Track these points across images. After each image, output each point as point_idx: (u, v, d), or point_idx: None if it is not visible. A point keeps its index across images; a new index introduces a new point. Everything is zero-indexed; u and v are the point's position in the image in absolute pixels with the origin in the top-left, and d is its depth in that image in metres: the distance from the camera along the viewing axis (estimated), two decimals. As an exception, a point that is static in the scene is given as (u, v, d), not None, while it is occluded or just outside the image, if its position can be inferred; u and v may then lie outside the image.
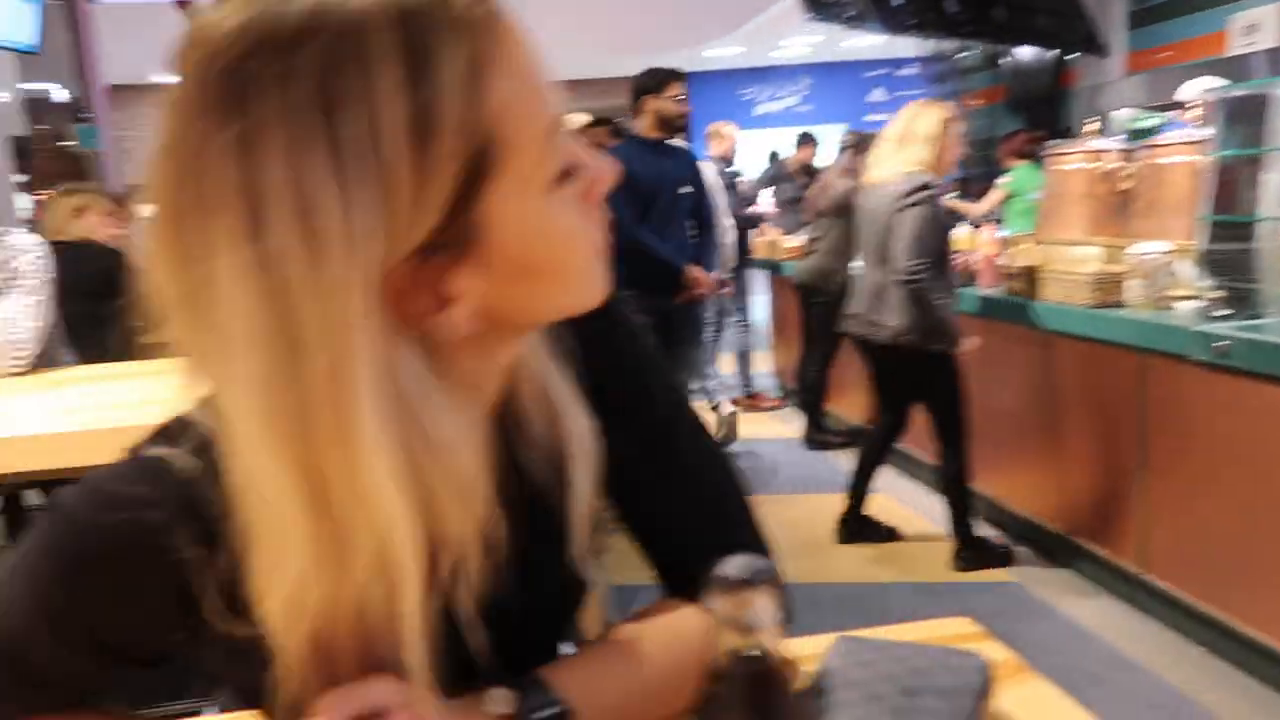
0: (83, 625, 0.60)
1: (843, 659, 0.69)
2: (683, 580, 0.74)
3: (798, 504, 4.04)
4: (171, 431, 0.58)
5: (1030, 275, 3.30)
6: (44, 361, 2.49)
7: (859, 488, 3.54)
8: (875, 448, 3.49)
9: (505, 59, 0.52)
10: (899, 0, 5.70)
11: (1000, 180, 6.08)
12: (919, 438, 3.53)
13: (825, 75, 15.70)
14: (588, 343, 0.68)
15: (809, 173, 6.06)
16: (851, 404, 4.86)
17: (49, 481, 2.37)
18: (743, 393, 5.62)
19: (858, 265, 3.39)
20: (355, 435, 0.49)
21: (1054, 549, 3.30)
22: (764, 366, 6.02)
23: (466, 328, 0.54)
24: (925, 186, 3.02)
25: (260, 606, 0.53)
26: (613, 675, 0.68)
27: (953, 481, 3.23)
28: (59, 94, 10.87)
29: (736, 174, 5.55)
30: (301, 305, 0.47)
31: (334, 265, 0.47)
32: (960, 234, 3.87)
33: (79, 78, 7.37)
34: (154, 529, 0.56)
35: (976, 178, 9.34)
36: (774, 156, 7.43)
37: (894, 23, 5.76)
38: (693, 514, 0.75)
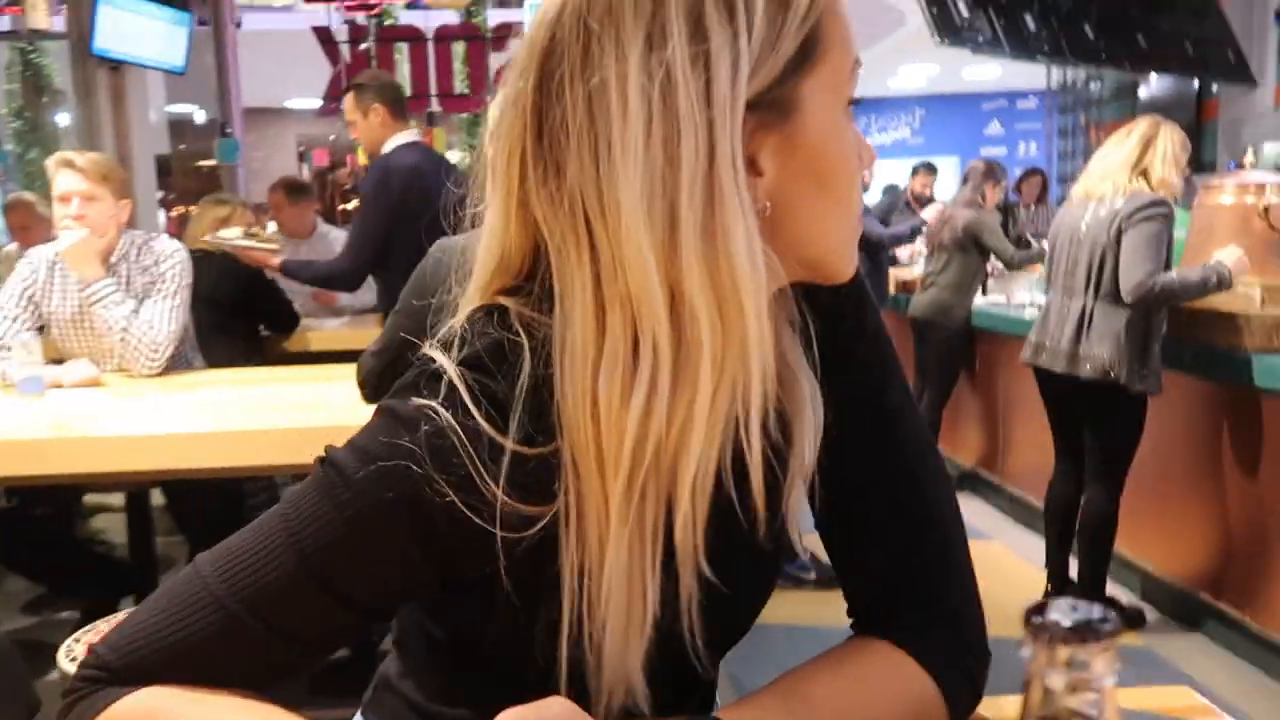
0: (344, 575, 0.60)
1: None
2: (882, 613, 0.69)
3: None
4: (423, 376, 0.61)
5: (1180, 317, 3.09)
6: (177, 364, 2.57)
7: (1060, 556, 3.08)
8: (1067, 500, 3.03)
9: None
10: (1035, 25, 5.50)
11: (1137, 215, 5.82)
12: (1030, 479, 3.30)
13: (940, 107, 15.38)
14: (829, 318, 0.68)
15: (924, 203, 5.87)
16: (965, 446, 4.66)
17: (171, 481, 2.44)
18: None
19: (1047, 295, 3.06)
20: (724, 243, 0.56)
21: (1184, 609, 3.06)
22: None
23: (767, 201, 0.60)
24: (1159, 203, 2.71)
25: (591, 448, 0.57)
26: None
27: (1102, 530, 2.88)
28: (200, 116, 11.50)
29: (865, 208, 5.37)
30: (687, 114, 0.55)
31: (719, 85, 0.55)
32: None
33: (219, 100, 7.75)
34: (414, 480, 0.58)
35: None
36: (891, 189, 7.26)
37: (1028, 49, 5.57)
38: (912, 538, 0.69)
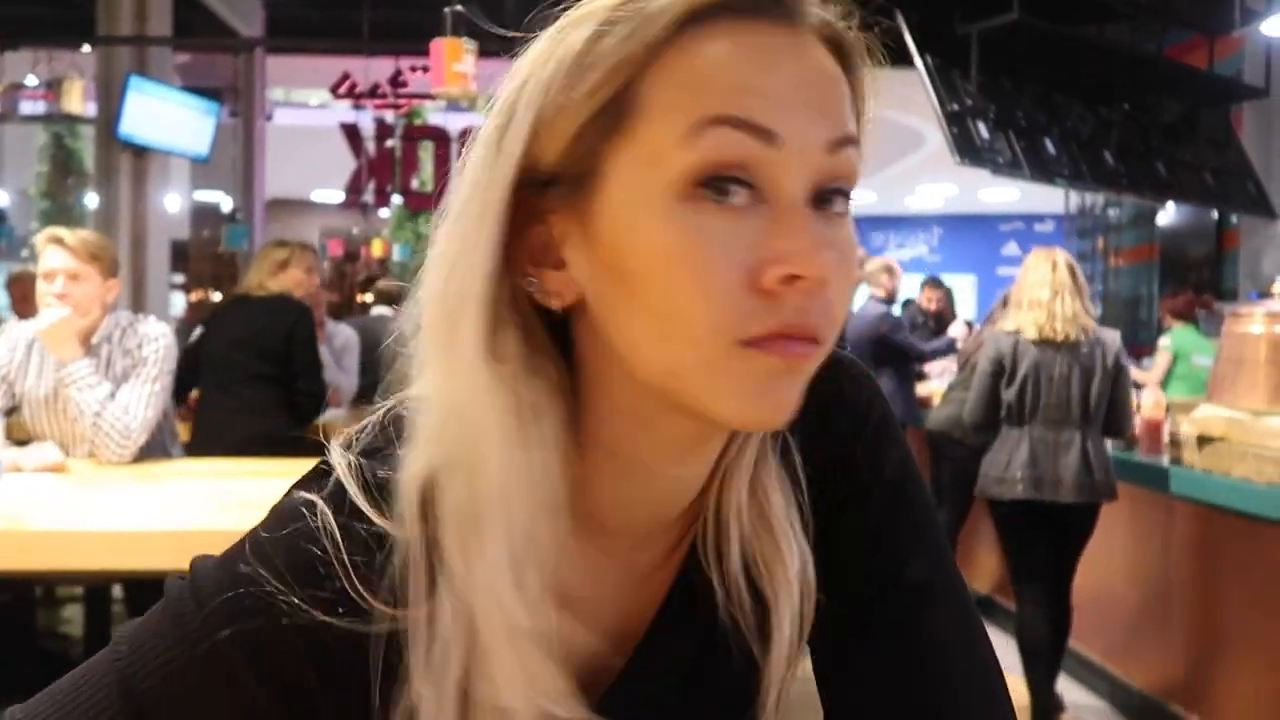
0: None
1: None
2: None
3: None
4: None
5: (1205, 446, 2.94)
6: (153, 450, 2.44)
7: (1046, 684, 3.08)
8: (1058, 626, 3.08)
9: (720, 34, 0.46)
10: (1055, 150, 5.50)
11: (1162, 343, 5.68)
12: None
13: (957, 226, 15.56)
14: (826, 481, 0.57)
15: (936, 319, 5.74)
16: (980, 570, 4.44)
17: (133, 579, 2.29)
18: None
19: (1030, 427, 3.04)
20: (460, 335, 0.48)
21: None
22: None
23: (561, 299, 0.49)
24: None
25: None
26: None
27: (1068, 628, 3.11)
28: (227, 204, 11.71)
29: (897, 319, 4.99)
30: (473, 184, 0.48)
31: (502, 148, 0.48)
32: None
33: (244, 189, 7.86)
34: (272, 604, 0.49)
35: (1123, 339, 8.88)
36: (907, 304, 7.18)
37: (1048, 172, 5.55)
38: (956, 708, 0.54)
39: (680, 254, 0.44)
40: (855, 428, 0.58)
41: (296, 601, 0.48)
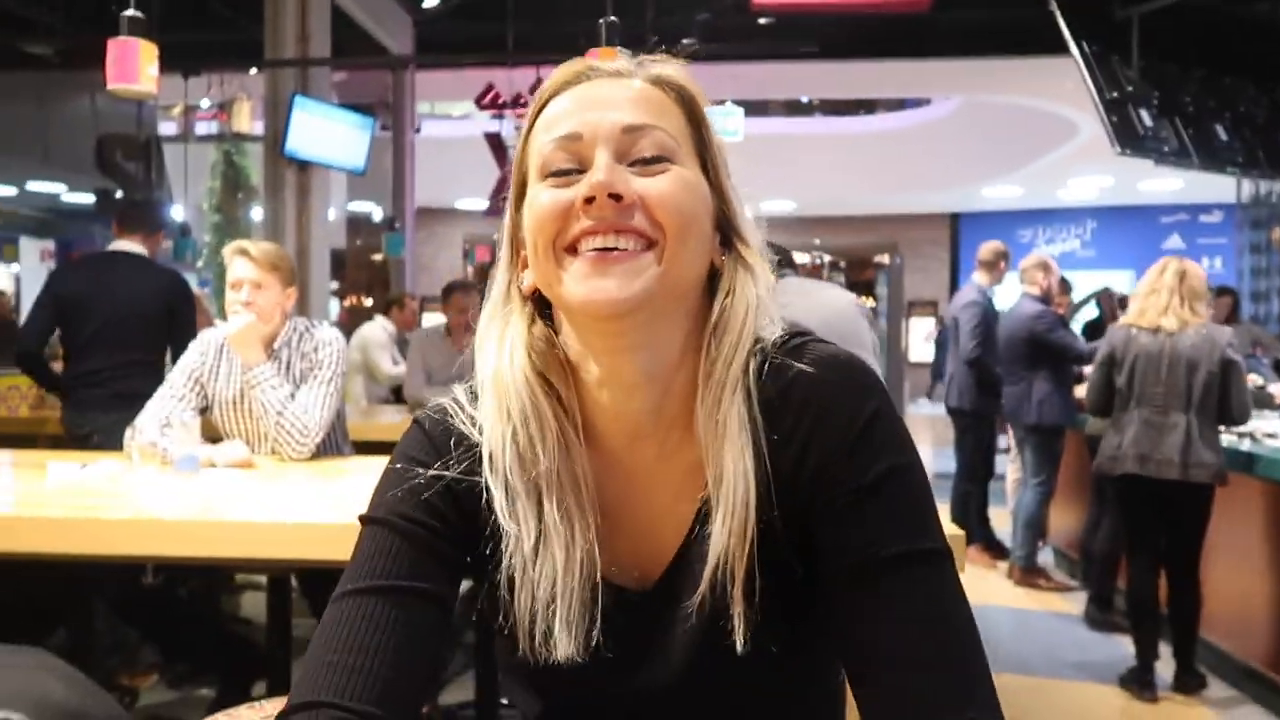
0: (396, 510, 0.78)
1: None
2: None
3: (1075, 694, 3.47)
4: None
5: None
6: (327, 449, 2.59)
7: (1152, 644, 3.45)
8: (1181, 604, 3.38)
9: (542, 117, 0.79)
10: (1227, 136, 5.15)
11: (1348, 339, 5.25)
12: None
13: (1113, 219, 14.72)
14: (826, 460, 0.73)
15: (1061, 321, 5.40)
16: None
17: (308, 567, 2.43)
18: (1023, 566, 4.84)
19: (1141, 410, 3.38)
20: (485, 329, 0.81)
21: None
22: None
23: (529, 284, 0.79)
24: (1234, 339, 3.31)
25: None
26: None
27: (1200, 606, 3.33)
28: (377, 214, 12.28)
29: (1052, 317, 4.75)
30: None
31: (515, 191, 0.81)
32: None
33: (394, 198, 8.22)
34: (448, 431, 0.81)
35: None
36: (1099, 297, 6.77)
37: (1218, 160, 5.21)
38: (907, 672, 0.68)
39: (536, 206, 0.75)
40: (843, 432, 0.73)
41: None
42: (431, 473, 0.78)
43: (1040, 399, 4.64)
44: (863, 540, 0.71)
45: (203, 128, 9.74)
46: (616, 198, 0.71)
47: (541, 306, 0.80)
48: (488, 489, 0.76)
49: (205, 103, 8.47)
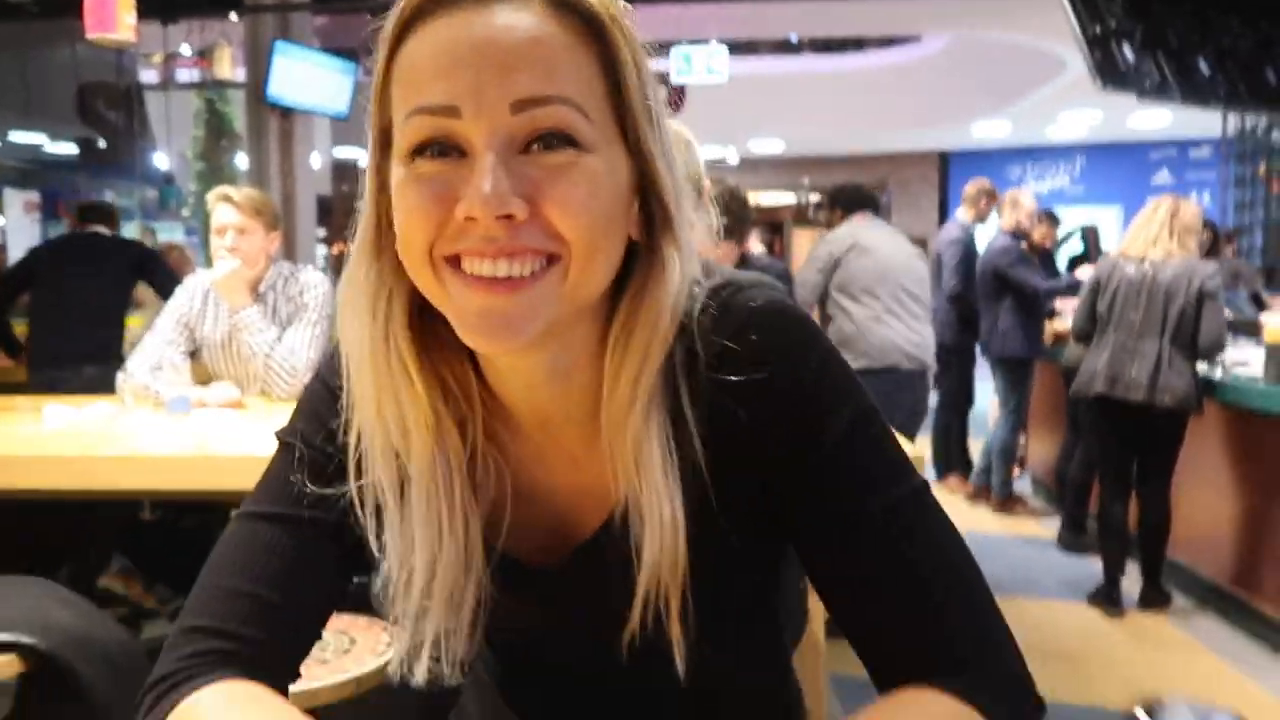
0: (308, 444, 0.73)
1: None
2: (902, 670, 0.64)
3: (1045, 611, 3.61)
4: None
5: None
6: (315, 390, 2.66)
7: (1118, 562, 3.64)
8: (1151, 523, 3.53)
9: (419, 35, 0.60)
10: (1209, 70, 5.16)
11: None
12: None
13: (1102, 155, 14.67)
14: (770, 426, 0.66)
15: (1041, 253, 5.42)
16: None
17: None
18: (999, 494, 5.01)
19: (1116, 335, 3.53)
20: (350, 290, 0.67)
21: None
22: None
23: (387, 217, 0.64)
24: (1216, 273, 3.39)
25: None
26: None
27: (1165, 528, 3.49)
28: (364, 160, 12.19)
29: (1016, 252, 4.82)
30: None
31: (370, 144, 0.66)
32: (1275, 325, 3.37)
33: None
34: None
35: (1284, 268, 8.30)
36: (1083, 233, 6.78)
37: (1200, 95, 5.21)
38: (918, 615, 0.64)
39: (401, 196, 0.61)
40: (785, 385, 0.65)
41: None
42: (322, 417, 0.73)
43: (1004, 331, 4.76)
44: (843, 499, 0.66)
45: (184, 75, 9.63)
46: (507, 217, 0.57)
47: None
48: (356, 460, 0.69)
49: (185, 49, 8.38)
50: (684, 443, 0.65)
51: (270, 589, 0.69)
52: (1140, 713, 0.28)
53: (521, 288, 0.59)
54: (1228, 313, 3.62)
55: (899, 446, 0.68)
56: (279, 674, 0.69)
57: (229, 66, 7.93)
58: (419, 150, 0.59)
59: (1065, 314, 4.87)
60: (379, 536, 0.69)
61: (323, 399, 0.74)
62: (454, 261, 0.59)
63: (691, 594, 0.65)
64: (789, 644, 0.90)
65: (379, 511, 0.69)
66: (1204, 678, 3.04)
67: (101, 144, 8.27)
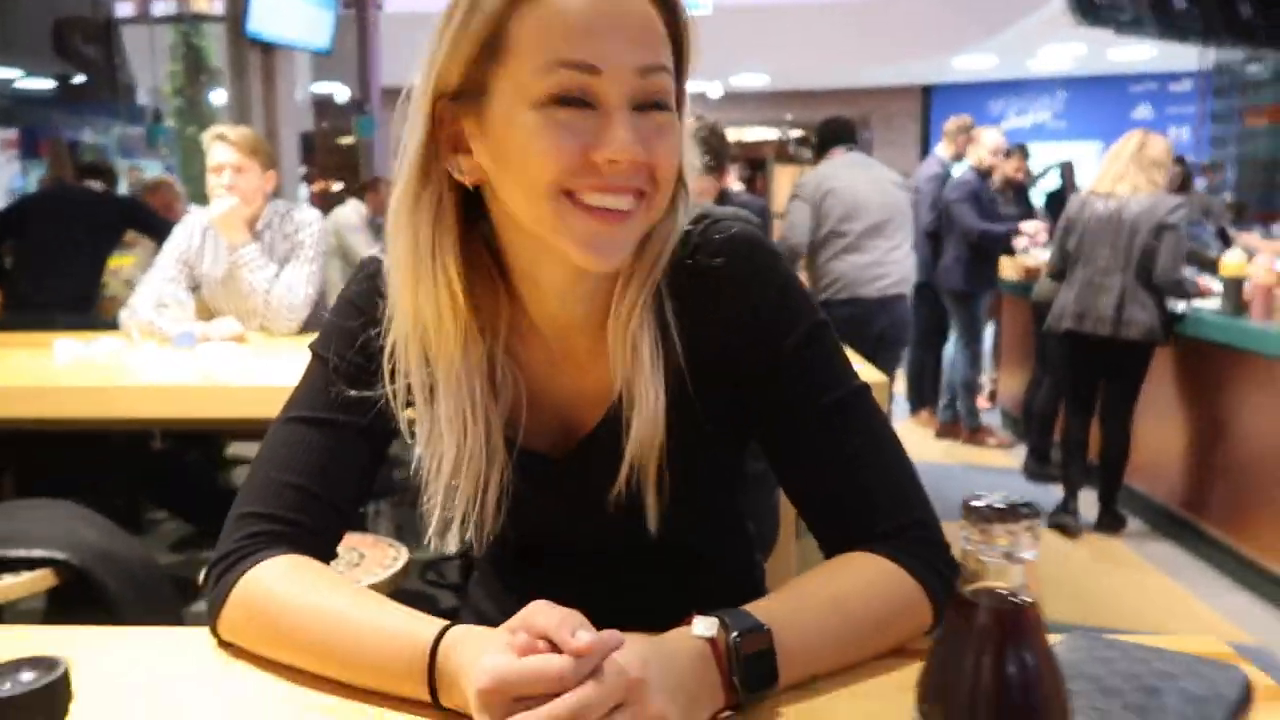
0: (341, 357, 0.85)
1: (1073, 653, 0.64)
2: (847, 540, 0.80)
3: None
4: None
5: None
6: (312, 324, 2.76)
7: (1078, 480, 3.85)
8: (1110, 450, 3.72)
9: (533, 13, 0.71)
10: (1184, 3, 5.20)
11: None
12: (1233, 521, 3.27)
13: (1084, 89, 14.65)
14: (745, 336, 0.81)
15: (1015, 187, 5.49)
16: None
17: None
18: (968, 426, 5.18)
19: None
20: (416, 203, 0.76)
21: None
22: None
23: (471, 177, 0.76)
24: (1180, 207, 3.46)
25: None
26: (809, 609, 0.73)
27: (1124, 456, 3.69)
28: (342, 95, 12.04)
29: (965, 189, 4.89)
30: (413, 108, 0.76)
31: (421, 83, 0.75)
32: (1232, 260, 3.50)
33: (360, 79, 8.11)
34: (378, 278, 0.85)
35: (1255, 203, 8.42)
36: (1066, 166, 6.81)
37: (1176, 28, 5.26)
38: (857, 492, 0.80)
39: (534, 141, 0.71)
40: (754, 300, 0.81)
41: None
42: (353, 326, 0.85)
43: (948, 265, 4.90)
44: (799, 394, 0.80)
45: (160, 8, 9.45)
46: (638, 162, 0.71)
47: (467, 196, 0.79)
48: (390, 357, 0.81)
49: (160, -20, 8.23)
50: (668, 345, 0.79)
51: (311, 481, 0.82)
52: (967, 502, 0.41)
53: (625, 219, 0.73)
54: (1192, 246, 3.74)
55: (845, 357, 0.84)
56: (320, 552, 0.82)
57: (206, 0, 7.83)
58: (556, 100, 0.70)
59: (1033, 250, 5.00)
60: (411, 429, 0.84)
61: (352, 317, 0.85)
62: (570, 195, 0.72)
63: (667, 468, 0.80)
64: (756, 545, 1.03)
65: (410, 408, 0.82)
66: (1153, 595, 3.25)
67: (79, 80, 8.16)
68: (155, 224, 4.19)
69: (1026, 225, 4.79)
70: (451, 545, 0.83)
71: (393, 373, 0.81)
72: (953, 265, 4.88)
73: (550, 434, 0.86)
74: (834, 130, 4.01)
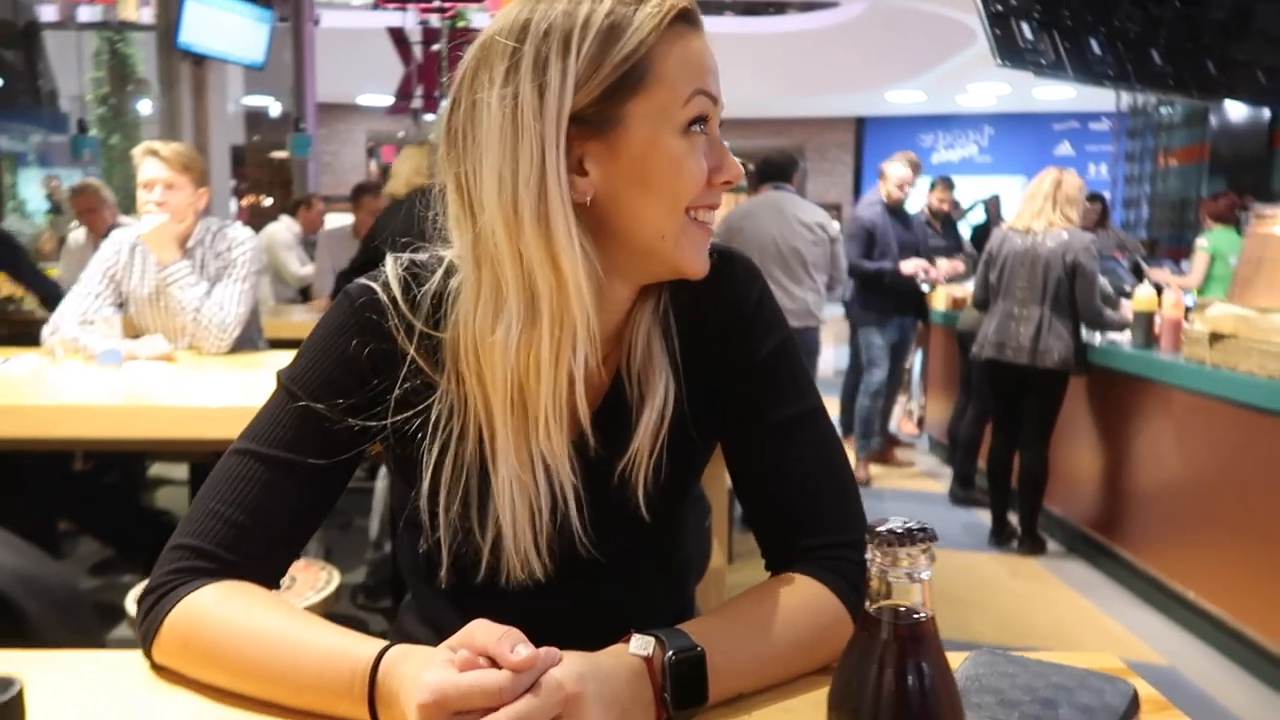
0: (316, 384, 0.83)
1: (978, 668, 0.69)
2: (791, 556, 0.85)
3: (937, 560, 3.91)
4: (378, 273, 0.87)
5: (1218, 342, 3.10)
6: (243, 344, 2.73)
7: (1001, 503, 4.05)
8: (1029, 475, 3.87)
9: (686, 36, 0.79)
10: (1100, 50, 5.45)
11: (1200, 243, 5.71)
12: (1147, 545, 3.37)
13: (1009, 126, 15.23)
14: (721, 343, 0.88)
15: (942, 219, 5.64)
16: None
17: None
18: (861, 452, 5.10)
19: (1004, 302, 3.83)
20: (549, 225, 0.75)
21: (1213, 631, 3.06)
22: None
23: (590, 194, 0.77)
24: (1091, 244, 3.67)
25: (472, 358, 0.79)
26: (740, 631, 0.76)
27: (1041, 480, 3.84)
28: (275, 109, 11.89)
29: (856, 225, 4.98)
30: (526, 127, 0.74)
31: (549, 105, 0.74)
32: (1144, 295, 3.68)
33: (295, 94, 8.03)
34: (378, 306, 0.83)
35: (1166, 239, 8.83)
36: (993, 201, 7.02)
37: (1092, 73, 5.51)
38: (804, 502, 0.85)
39: (685, 162, 0.78)
40: (735, 315, 0.88)
41: (367, 324, 0.83)
42: (348, 353, 0.83)
43: (848, 298, 5.02)
44: (766, 404, 0.87)
45: (85, 13, 9.25)
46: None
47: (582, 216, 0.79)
48: (436, 369, 0.82)
49: (87, -13, 8.05)
50: (668, 342, 0.86)
51: (254, 518, 0.80)
52: (873, 528, 0.47)
53: (711, 232, 0.83)
54: (1104, 281, 3.90)
55: (809, 375, 0.91)
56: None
57: (134, 6, 7.69)
58: (693, 127, 0.79)
59: (958, 284, 5.16)
60: (404, 457, 0.84)
61: (342, 346, 0.83)
62: (688, 211, 0.80)
63: (663, 457, 0.85)
64: (690, 566, 1.04)
65: (413, 436, 0.83)
66: (1066, 614, 3.36)
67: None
68: (28, 276, 3.91)
69: (905, 265, 4.77)
70: (477, 576, 0.83)
71: (403, 397, 0.82)
72: (851, 298, 5.03)
73: None
74: (768, 169, 4.18)
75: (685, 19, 0.79)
